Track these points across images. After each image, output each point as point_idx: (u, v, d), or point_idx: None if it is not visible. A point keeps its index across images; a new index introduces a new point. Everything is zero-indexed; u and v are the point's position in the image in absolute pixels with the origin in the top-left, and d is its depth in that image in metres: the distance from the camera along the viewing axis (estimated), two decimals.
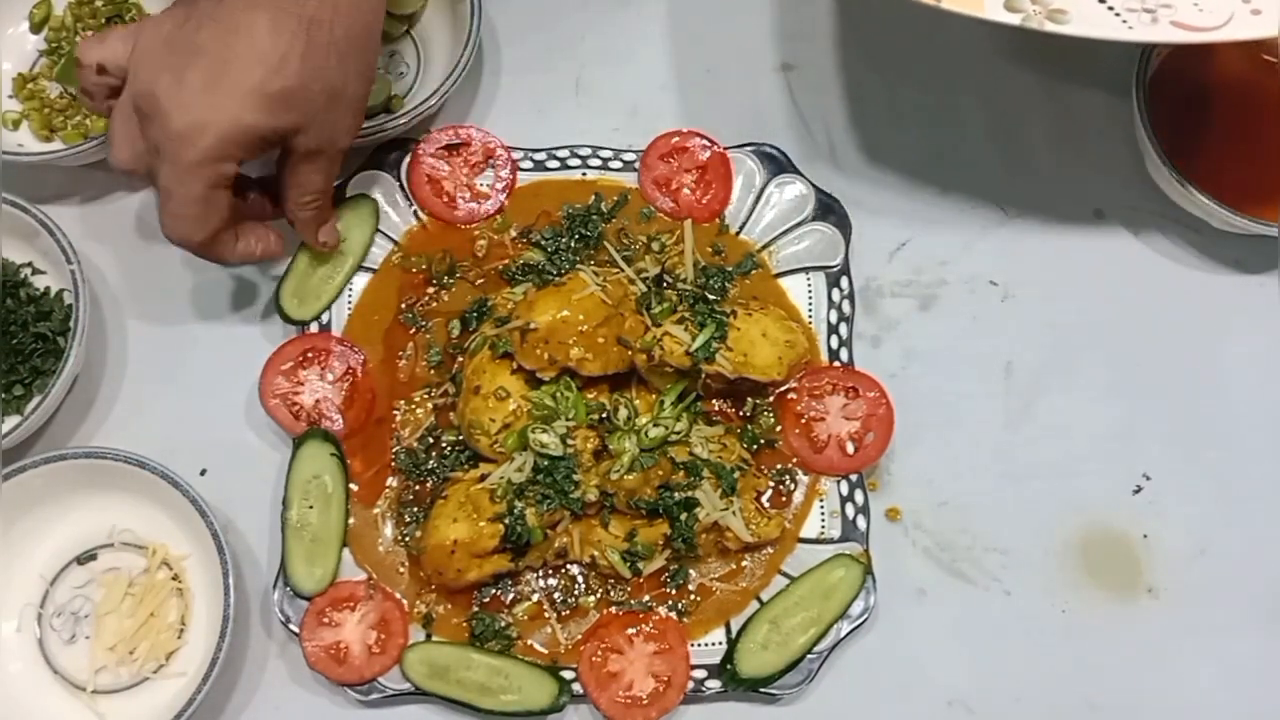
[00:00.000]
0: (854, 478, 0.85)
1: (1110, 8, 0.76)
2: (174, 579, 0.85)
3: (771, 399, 0.86)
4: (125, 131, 0.78)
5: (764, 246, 0.91)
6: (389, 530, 0.85)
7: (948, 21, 0.98)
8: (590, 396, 0.83)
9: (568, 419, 0.82)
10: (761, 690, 0.81)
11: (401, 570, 0.84)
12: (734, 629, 0.83)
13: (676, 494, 0.81)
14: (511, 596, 0.84)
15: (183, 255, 0.93)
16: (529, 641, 0.83)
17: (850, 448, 0.85)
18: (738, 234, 0.91)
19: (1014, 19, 0.76)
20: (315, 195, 0.83)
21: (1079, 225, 0.94)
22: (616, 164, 0.93)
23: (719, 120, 0.94)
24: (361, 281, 0.90)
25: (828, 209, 0.91)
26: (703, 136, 0.92)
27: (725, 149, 0.92)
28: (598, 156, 0.93)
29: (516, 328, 0.82)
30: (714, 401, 0.87)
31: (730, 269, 0.89)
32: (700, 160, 0.92)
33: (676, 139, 0.92)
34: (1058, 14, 0.76)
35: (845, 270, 0.90)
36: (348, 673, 0.81)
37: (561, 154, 0.93)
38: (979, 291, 0.92)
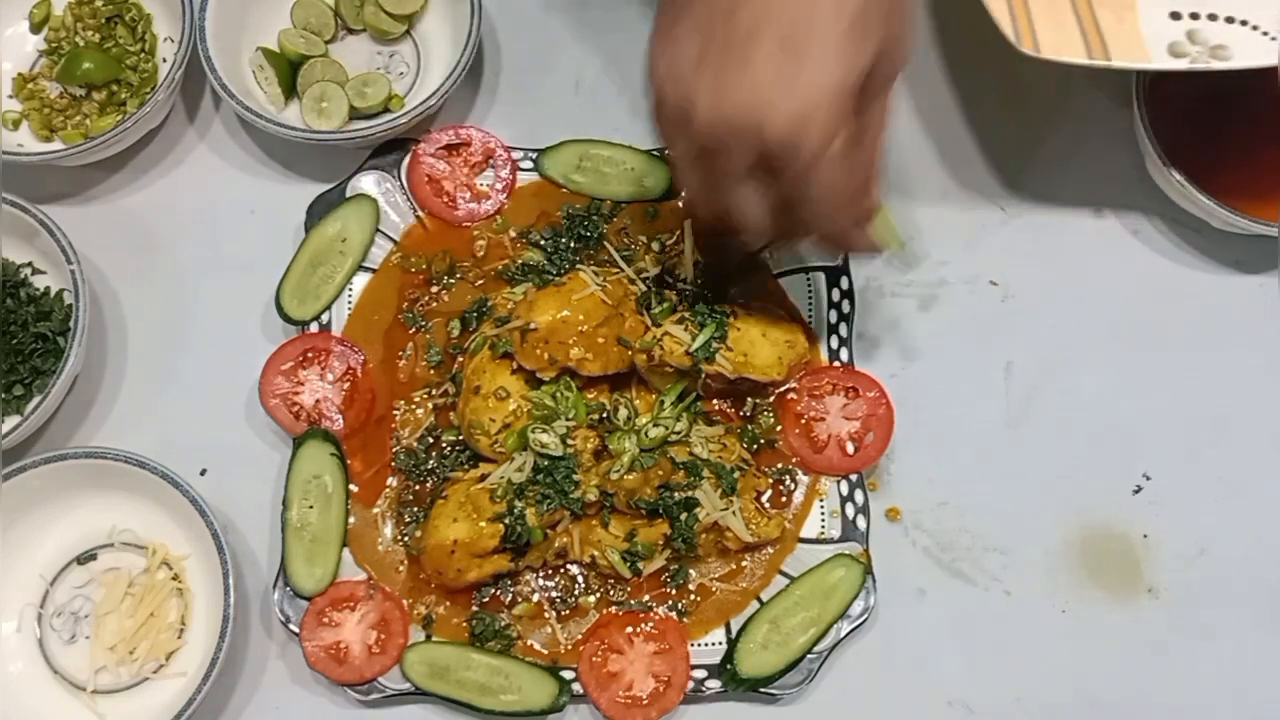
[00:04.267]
0: (854, 478, 0.85)
1: (1265, 33, 0.79)
2: (174, 579, 0.85)
3: (771, 399, 0.86)
4: (755, 198, 0.66)
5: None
6: (389, 530, 0.85)
7: (949, 23, 0.99)
8: (590, 396, 0.83)
9: (568, 419, 0.82)
10: (761, 690, 0.81)
11: (401, 570, 0.84)
12: (734, 629, 0.83)
13: (676, 494, 0.81)
14: (511, 596, 0.84)
15: (182, 255, 0.94)
16: (529, 641, 0.83)
17: (850, 448, 0.85)
18: None
19: (1181, 64, 0.78)
20: (879, 148, 0.68)
21: (1079, 225, 0.94)
22: None
23: None
24: (361, 281, 0.90)
25: None
26: None
27: None
28: None
29: (516, 328, 0.82)
30: (714, 401, 0.87)
31: None
32: None
33: None
34: (1220, 50, 0.79)
35: (845, 270, 0.90)
36: (348, 673, 0.81)
37: None
38: (979, 291, 0.92)
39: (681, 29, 0.64)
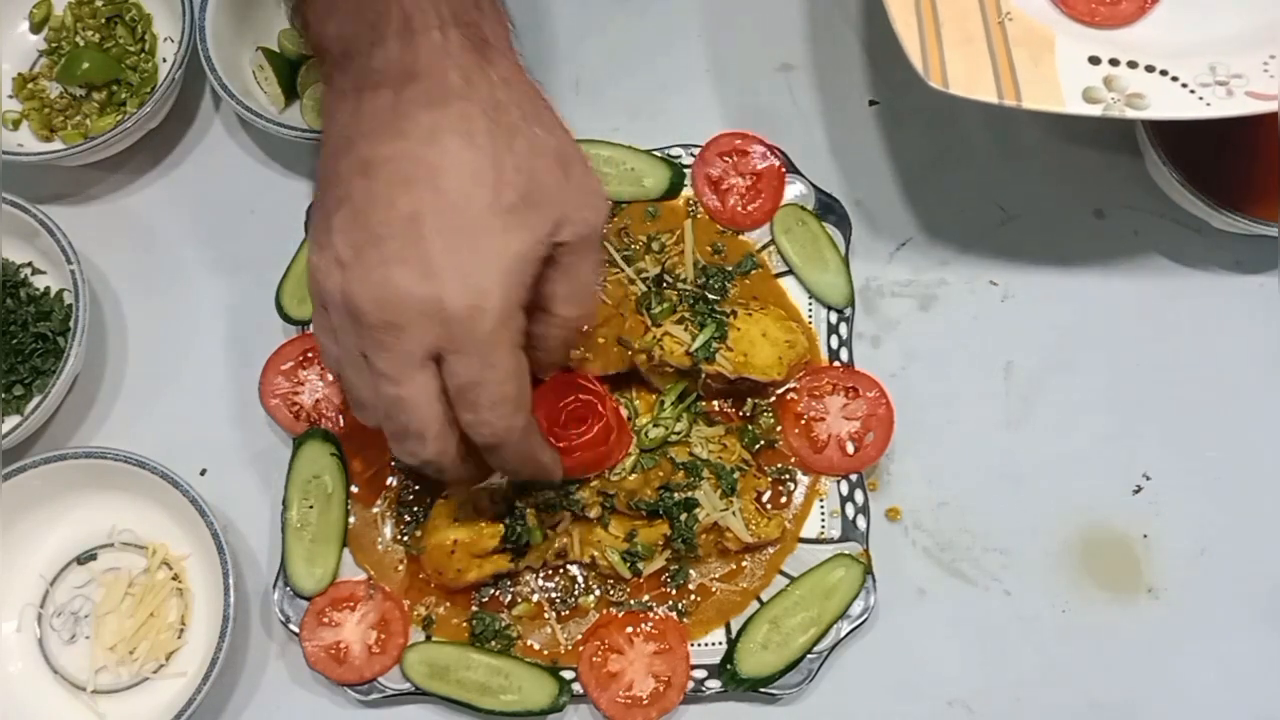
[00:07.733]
0: (854, 478, 0.85)
1: (1184, 85, 0.77)
2: (174, 579, 0.85)
3: (771, 399, 0.86)
4: (361, 381, 0.67)
5: (764, 247, 0.91)
6: (389, 530, 0.85)
7: None
8: None
9: None
10: (761, 690, 0.81)
11: (401, 570, 0.84)
12: (734, 629, 0.83)
13: (676, 494, 0.81)
14: (511, 596, 0.84)
15: (182, 255, 0.94)
16: (529, 641, 0.83)
17: (850, 448, 0.85)
18: (738, 234, 0.91)
19: (1095, 110, 0.77)
20: (588, 299, 0.70)
21: (1079, 225, 0.94)
22: None
23: (719, 120, 0.94)
24: None
25: (828, 209, 0.91)
26: (765, 145, 0.92)
27: (783, 166, 0.91)
28: None
29: None
30: (714, 401, 0.86)
31: (730, 269, 0.89)
32: (757, 168, 0.92)
33: (739, 141, 0.92)
34: (1135, 99, 0.77)
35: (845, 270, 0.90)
36: (348, 673, 0.81)
37: None
38: (979, 291, 0.92)
39: (337, 226, 0.65)
